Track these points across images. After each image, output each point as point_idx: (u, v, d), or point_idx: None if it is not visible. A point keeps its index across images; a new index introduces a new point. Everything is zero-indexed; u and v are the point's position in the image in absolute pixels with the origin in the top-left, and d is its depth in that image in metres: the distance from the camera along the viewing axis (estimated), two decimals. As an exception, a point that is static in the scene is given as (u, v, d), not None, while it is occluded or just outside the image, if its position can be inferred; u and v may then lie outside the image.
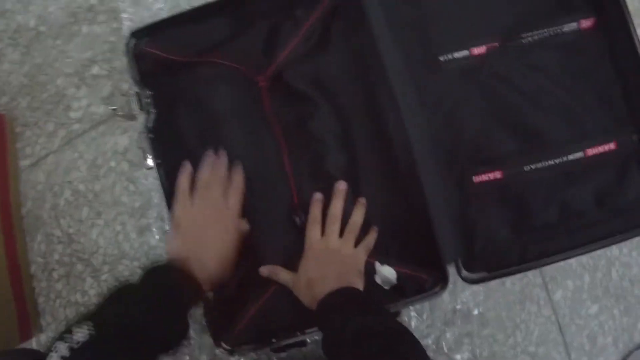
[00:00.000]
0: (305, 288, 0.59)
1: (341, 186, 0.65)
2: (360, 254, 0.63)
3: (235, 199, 0.62)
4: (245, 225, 0.64)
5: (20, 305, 0.75)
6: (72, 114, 0.75)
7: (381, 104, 0.66)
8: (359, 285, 0.60)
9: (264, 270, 0.63)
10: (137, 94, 0.65)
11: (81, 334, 0.44)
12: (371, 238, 0.65)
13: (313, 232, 0.63)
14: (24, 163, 0.77)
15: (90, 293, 0.75)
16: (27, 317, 0.76)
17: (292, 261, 0.64)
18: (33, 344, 0.76)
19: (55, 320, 0.78)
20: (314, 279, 0.59)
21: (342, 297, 0.55)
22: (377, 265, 0.64)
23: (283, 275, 0.63)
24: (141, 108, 0.64)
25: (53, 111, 0.75)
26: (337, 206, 0.64)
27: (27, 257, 0.78)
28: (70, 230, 0.75)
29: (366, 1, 0.64)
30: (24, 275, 0.77)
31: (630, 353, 0.79)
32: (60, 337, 0.44)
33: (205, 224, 0.60)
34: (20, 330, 0.75)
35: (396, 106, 0.63)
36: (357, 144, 0.68)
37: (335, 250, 0.62)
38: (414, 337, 0.51)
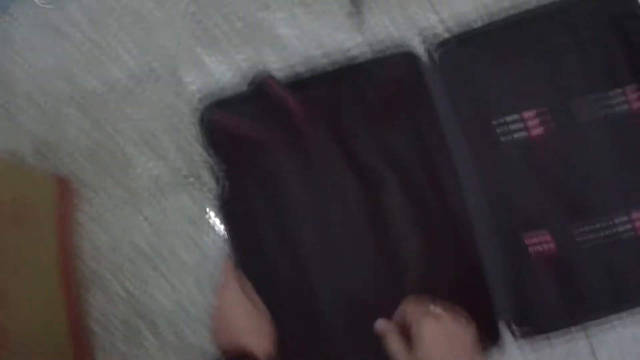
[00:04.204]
0: None
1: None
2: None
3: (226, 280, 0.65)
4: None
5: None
6: (139, 181, 0.78)
7: (443, 181, 0.71)
8: None
9: (380, 325, 0.64)
10: (210, 163, 0.69)
11: None
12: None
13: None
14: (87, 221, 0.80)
15: (151, 352, 0.78)
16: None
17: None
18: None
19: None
20: None
21: None
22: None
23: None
24: (216, 181, 0.68)
25: (121, 177, 0.78)
26: None
27: (85, 315, 0.80)
28: (133, 290, 0.78)
29: (431, 84, 0.69)
30: (83, 334, 0.79)
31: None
32: None
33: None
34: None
35: (457, 185, 0.68)
36: (422, 212, 0.73)
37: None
38: None
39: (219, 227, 0.68)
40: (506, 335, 0.68)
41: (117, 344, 0.79)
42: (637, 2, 0.74)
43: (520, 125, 0.73)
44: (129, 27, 0.81)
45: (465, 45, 0.74)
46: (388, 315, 0.71)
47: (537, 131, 0.73)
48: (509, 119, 0.74)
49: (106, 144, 0.79)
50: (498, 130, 0.73)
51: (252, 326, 0.61)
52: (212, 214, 0.69)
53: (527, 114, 0.73)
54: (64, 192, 0.79)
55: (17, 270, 0.70)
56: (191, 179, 0.74)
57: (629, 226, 0.73)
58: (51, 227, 0.78)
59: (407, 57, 0.71)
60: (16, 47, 0.81)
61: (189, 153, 0.76)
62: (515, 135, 0.74)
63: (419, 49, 0.75)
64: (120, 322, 0.79)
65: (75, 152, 0.80)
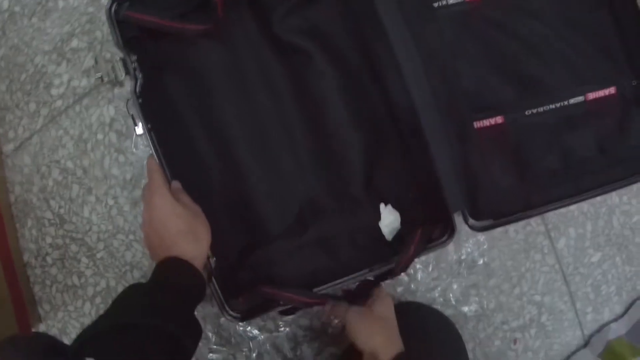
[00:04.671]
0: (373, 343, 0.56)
1: None
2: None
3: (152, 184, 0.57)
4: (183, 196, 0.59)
5: (16, 296, 0.73)
6: (54, 91, 0.73)
7: (378, 54, 0.65)
8: None
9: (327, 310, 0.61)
10: (123, 59, 0.63)
11: None
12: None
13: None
14: (8, 148, 0.75)
15: (87, 274, 0.73)
16: (24, 308, 0.74)
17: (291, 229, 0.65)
18: (32, 334, 0.73)
19: (54, 307, 0.75)
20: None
21: None
22: (382, 207, 0.63)
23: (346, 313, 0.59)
24: (127, 73, 0.62)
25: (33, 91, 0.73)
26: None
27: (18, 245, 0.76)
28: (61, 211, 0.73)
29: None
30: (17, 265, 0.75)
31: (633, 302, 0.80)
32: None
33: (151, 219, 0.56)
34: (18, 322, 0.72)
35: (393, 57, 0.62)
36: (357, 95, 0.66)
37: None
38: None
39: (141, 124, 0.62)
40: (464, 229, 0.63)
41: (53, 273, 0.74)
42: None
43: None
44: None
45: None
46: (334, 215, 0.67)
47: (472, -7, 0.67)
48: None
49: (16, 59, 0.74)
50: (435, 4, 0.68)
51: (186, 230, 0.54)
52: (132, 111, 0.63)
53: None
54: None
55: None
56: (107, 78, 0.67)
57: (584, 107, 0.68)
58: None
59: None
60: None
61: (106, 57, 0.71)
62: (450, 0, 0.67)
63: None
64: (53, 249, 0.74)
65: (-16, 71, 0.74)
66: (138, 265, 0.71)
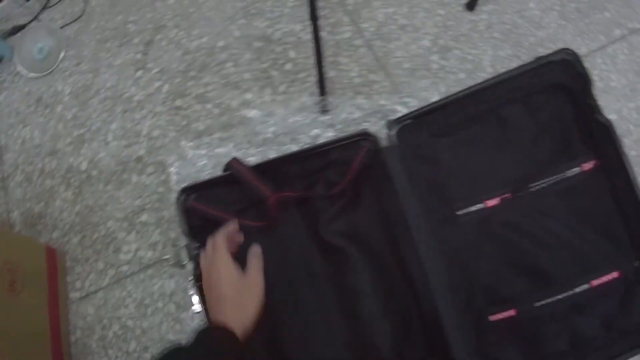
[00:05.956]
0: None
1: None
2: None
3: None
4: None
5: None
6: (122, 256, 0.83)
7: (406, 253, 0.75)
8: None
9: None
10: (187, 245, 0.73)
11: None
12: None
13: None
14: (74, 295, 0.85)
15: (136, 419, 0.82)
16: None
17: None
18: None
19: None
20: None
21: None
22: None
23: None
24: (190, 258, 0.72)
25: (103, 251, 0.84)
26: None
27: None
28: (118, 361, 0.83)
29: (391, 164, 0.73)
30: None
31: None
32: None
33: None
34: None
35: (418, 259, 0.71)
36: (387, 288, 0.76)
37: None
38: None
39: (197, 303, 0.72)
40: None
41: (102, 413, 0.83)
42: (581, 64, 0.73)
43: (481, 205, 0.77)
44: (117, 113, 0.86)
45: (422, 121, 0.76)
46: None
47: (493, 202, 0.77)
48: (473, 208, 0.77)
49: (90, 218, 0.85)
50: (456, 210, 0.77)
51: (232, 297, 0.60)
52: (191, 292, 0.73)
53: (490, 202, 0.77)
54: (54, 262, 0.84)
55: (11, 338, 0.74)
56: (172, 261, 0.78)
57: (589, 292, 0.74)
58: (43, 297, 0.82)
59: (366, 137, 0.74)
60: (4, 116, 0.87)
61: (171, 235, 0.81)
62: (472, 208, 0.77)
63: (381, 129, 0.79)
64: (105, 392, 0.83)
65: (61, 224, 0.85)
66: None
